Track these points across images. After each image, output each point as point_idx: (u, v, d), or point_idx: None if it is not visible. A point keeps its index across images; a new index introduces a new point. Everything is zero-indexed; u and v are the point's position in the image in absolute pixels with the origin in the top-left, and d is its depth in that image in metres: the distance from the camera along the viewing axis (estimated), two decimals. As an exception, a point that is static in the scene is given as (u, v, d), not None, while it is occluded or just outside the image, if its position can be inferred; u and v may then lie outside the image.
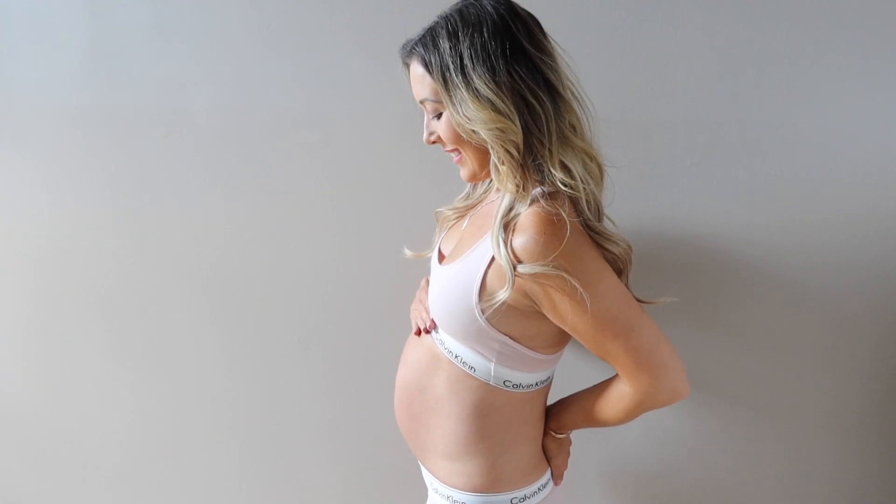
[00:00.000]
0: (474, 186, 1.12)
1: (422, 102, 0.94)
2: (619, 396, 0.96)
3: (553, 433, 1.06)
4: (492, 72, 0.85)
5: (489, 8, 0.88)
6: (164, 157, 1.40)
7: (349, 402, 1.48)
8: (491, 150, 0.89)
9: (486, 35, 0.86)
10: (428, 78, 0.90)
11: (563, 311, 0.88)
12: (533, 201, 0.88)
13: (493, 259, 0.89)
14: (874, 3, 1.16)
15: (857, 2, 1.16)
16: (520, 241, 0.85)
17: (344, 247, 1.40)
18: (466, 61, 0.86)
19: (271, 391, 1.50)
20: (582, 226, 0.89)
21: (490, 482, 1.00)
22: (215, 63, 1.35)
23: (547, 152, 0.88)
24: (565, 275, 0.84)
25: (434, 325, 1.01)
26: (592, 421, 1.02)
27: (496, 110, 0.86)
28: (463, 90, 0.86)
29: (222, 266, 1.44)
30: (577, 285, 0.84)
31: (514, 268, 0.85)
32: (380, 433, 1.44)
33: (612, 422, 1.00)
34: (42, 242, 1.49)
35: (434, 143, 0.97)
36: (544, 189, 0.89)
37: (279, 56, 1.33)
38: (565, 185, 0.88)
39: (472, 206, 1.10)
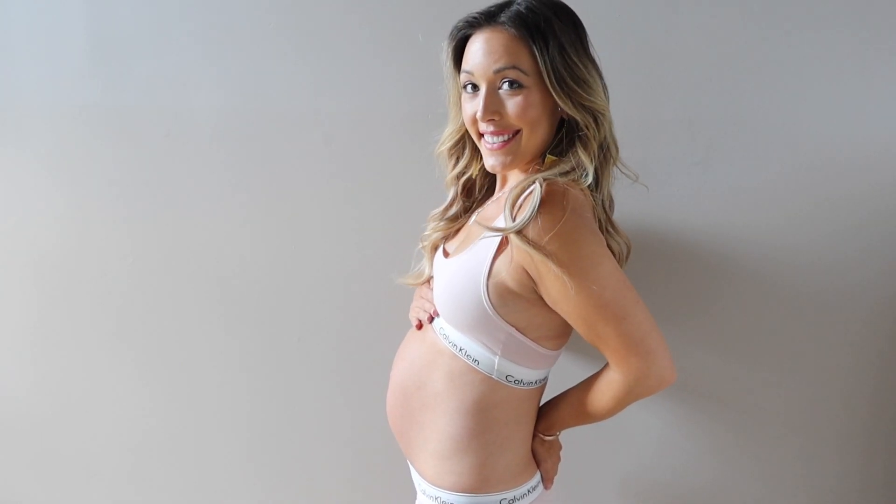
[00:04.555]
0: (472, 189, 1.12)
1: (498, 72, 0.90)
2: (608, 384, 0.96)
3: (541, 435, 1.06)
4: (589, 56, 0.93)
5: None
6: (164, 156, 1.41)
7: (350, 402, 1.48)
8: (592, 126, 0.92)
9: (574, 23, 0.93)
10: (522, 44, 0.88)
11: (559, 290, 0.87)
12: (555, 178, 0.91)
13: (501, 245, 0.90)
14: (875, 3, 1.16)
15: (857, 2, 1.16)
16: (530, 209, 0.86)
17: (346, 245, 1.40)
18: (574, 37, 0.91)
19: (272, 391, 1.50)
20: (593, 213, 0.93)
21: (479, 482, 0.99)
22: (216, 63, 1.35)
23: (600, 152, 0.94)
24: (567, 250, 0.84)
25: (436, 313, 1.01)
26: (582, 415, 1.02)
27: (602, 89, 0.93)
28: (580, 62, 0.90)
29: (224, 265, 1.45)
30: (577, 264, 0.85)
31: (522, 234, 0.85)
32: (381, 433, 1.44)
33: (602, 412, 0.99)
34: (43, 243, 1.49)
35: (490, 120, 0.92)
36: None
37: (281, 55, 1.33)
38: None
39: (457, 219, 1.10)
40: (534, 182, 0.90)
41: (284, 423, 1.51)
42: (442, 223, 1.11)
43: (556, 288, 0.87)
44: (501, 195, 1.03)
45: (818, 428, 1.35)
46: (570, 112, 0.91)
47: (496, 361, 0.96)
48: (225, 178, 1.40)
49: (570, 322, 0.92)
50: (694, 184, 1.26)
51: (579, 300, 0.87)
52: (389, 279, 1.37)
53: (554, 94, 0.89)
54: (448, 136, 1.08)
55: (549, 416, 1.06)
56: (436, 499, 1.02)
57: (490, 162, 0.97)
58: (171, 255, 1.46)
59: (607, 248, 0.91)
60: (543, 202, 0.85)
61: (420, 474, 1.06)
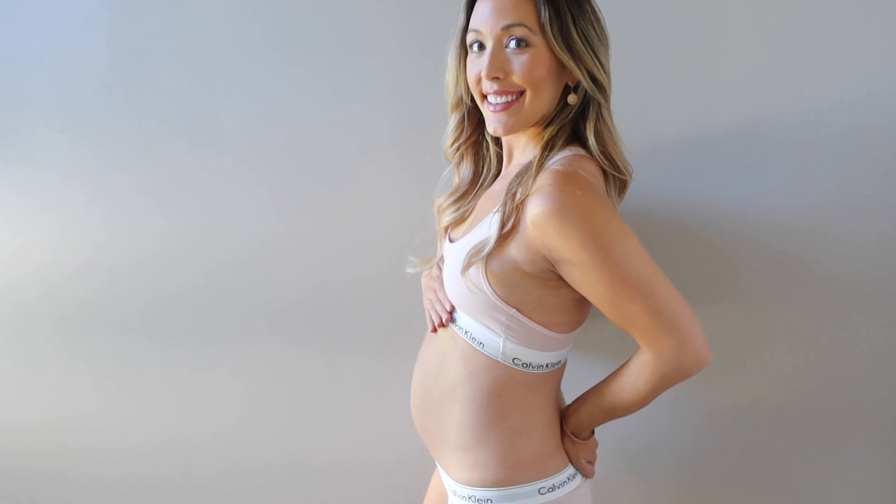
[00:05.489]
0: (475, 167, 1.10)
1: (506, 29, 0.89)
2: (640, 369, 0.92)
3: (572, 436, 1.02)
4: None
5: None
6: (187, 169, 1.42)
7: (369, 415, 1.48)
8: (597, 94, 0.93)
9: None
10: (531, 2, 0.89)
11: (582, 271, 0.86)
12: (565, 157, 0.92)
13: (513, 228, 0.89)
14: (877, 2, 1.16)
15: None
16: (542, 193, 0.86)
17: (373, 252, 1.39)
18: (584, 2, 0.91)
19: (294, 413, 1.50)
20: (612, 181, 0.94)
21: (508, 473, 0.96)
22: (239, 74, 1.36)
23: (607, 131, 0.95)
24: (587, 231, 0.84)
25: (451, 318, 1.00)
26: (613, 407, 0.98)
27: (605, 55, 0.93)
28: (589, 26, 0.90)
29: (247, 279, 1.44)
30: (598, 243, 0.84)
31: (537, 219, 0.85)
32: (405, 448, 1.43)
33: (635, 402, 0.95)
34: (61, 255, 1.50)
35: (495, 79, 0.91)
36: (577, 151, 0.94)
37: (305, 66, 1.33)
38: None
39: (466, 195, 1.09)
40: (541, 170, 0.91)
41: (306, 442, 1.52)
42: (451, 207, 1.09)
43: (579, 269, 0.86)
44: (509, 172, 1.02)
45: (824, 424, 1.33)
46: (576, 75, 0.91)
47: (501, 344, 0.94)
48: (249, 192, 1.41)
49: (595, 304, 0.90)
50: (695, 182, 1.26)
51: (603, 279, 0.85)
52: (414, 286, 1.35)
53: (561, 53, 0.89)
54: (451, 131, 1.08)
55: (578, 412, 1.02)
56: (469, 498, 0.99)
57: (492, 125, 0.95)
58: (192, 269, 1.46)
59: (626, 225, 0.89)
60: (557, 187, 0.85)
61: (447, 473, 1.03)
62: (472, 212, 1.06)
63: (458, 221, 1.07)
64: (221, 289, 1.46)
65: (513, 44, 0.90)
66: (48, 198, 1.49)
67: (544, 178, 0.88)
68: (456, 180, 1.12)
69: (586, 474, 1.03)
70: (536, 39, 0.89)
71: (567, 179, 0.86)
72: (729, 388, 1.33)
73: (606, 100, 0.94)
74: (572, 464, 1.02)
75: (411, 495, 1.34)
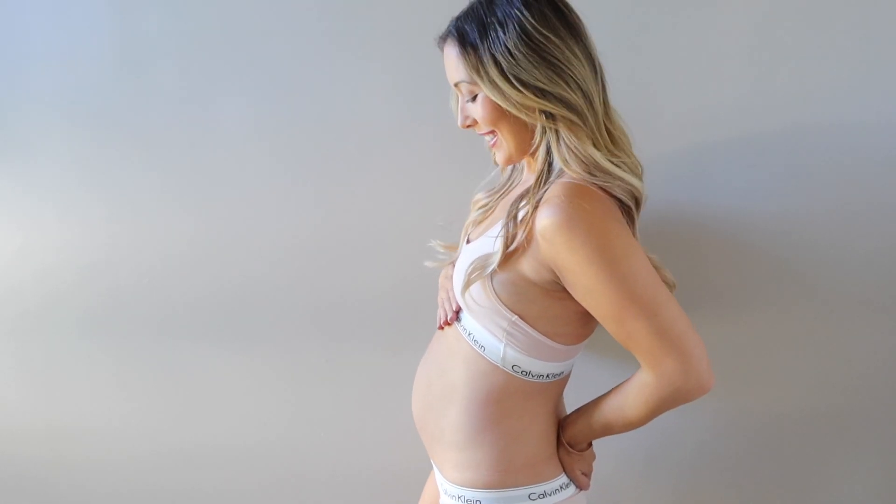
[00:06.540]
0: (512, 170, 1.12)
1: (456, 85, 0.95)
2: (640, 388, 0.91)
3: (568, 446, 1.02)
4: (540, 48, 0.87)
5: None
6: (188, 168, 1.41)
7: (370, 416, 1.48)
8: (553, 123, 0.89)
9: (529, 15, 0.87)
10: (462, 59, 0.90)
11: (586, 285, 0.86)
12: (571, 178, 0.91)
13: (525, 239, 0.89)
14: (877, 2, 1.15)
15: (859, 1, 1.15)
16: (551, 204, 0.85)
17: (374, 253, 1.39)
18: (517, 35, 0.86)
19: (295, 413, 1.50)
20: (618, 206, 0.91)
21: (500, 476, 0.97)
22: (241, 74, 1.35)
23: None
24: (593, 244, 0.83)
25: (456, 317, 1.01)
26: (610, 424, 0.97)
27: (553, 80, 0.87)
28: (525, 59, 0.86)
29: (247, 279, 1.44)
30: (604, 257, 0.83)
31: (546, 233, 0.85)
32: (404, 450, 1.44)
33: (632, 421, 0.94)
34: (60, 255, 1.49)
35: (469, 126, 0.98)
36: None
37: (307, 66, 1.33)
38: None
39: (502, 193, 1.11)
40: (540, 187, 0.91)
41: (309, 442, 1.52)
42: (483, 205, 1.10)
43: (584, 283, 0.86)
44: (524, 181, 1.04)
45: (843, 431, 1.32)
46: (522, 117, 0.90)
47: (501, 350, 0.94)
48: (252, 191, 1.40)
49: (599, 319, 0.90)
50: (695, 182, 1.25)
51: (608, 295, 0.85)
52: (421, 291, 1.36)
53: (498, 101, 0.89)
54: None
55: (576, 423, 1.02)
56: (459, 498, 0.99)
57: (496, 157, 1.00)
58: (192, 270, 1.45)
59: (636, 241, 0.88)
60: (566, 199, 0.85)
61: (441, 471, 1.04)
62: (492, 212, 1.08)
63: (480, 219, 1.09)
64: (223, 289, 1.46)
65: (467, 94, 0.95)
66: (50, 198, 1.48)
67: (555, 190, 0.88)
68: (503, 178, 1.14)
69: (580, 485, 1.03)
70: (479, 87, 0.91)
71: (576, 192, 0.86)
72: (734, 396, 1.32)
73: (567, 120, 0.89)
74: (567, 474, 1.02)
75: (409, 496, 1.35)
